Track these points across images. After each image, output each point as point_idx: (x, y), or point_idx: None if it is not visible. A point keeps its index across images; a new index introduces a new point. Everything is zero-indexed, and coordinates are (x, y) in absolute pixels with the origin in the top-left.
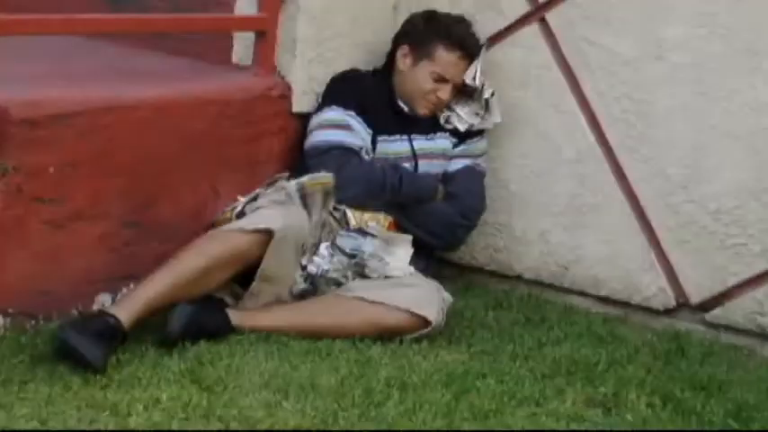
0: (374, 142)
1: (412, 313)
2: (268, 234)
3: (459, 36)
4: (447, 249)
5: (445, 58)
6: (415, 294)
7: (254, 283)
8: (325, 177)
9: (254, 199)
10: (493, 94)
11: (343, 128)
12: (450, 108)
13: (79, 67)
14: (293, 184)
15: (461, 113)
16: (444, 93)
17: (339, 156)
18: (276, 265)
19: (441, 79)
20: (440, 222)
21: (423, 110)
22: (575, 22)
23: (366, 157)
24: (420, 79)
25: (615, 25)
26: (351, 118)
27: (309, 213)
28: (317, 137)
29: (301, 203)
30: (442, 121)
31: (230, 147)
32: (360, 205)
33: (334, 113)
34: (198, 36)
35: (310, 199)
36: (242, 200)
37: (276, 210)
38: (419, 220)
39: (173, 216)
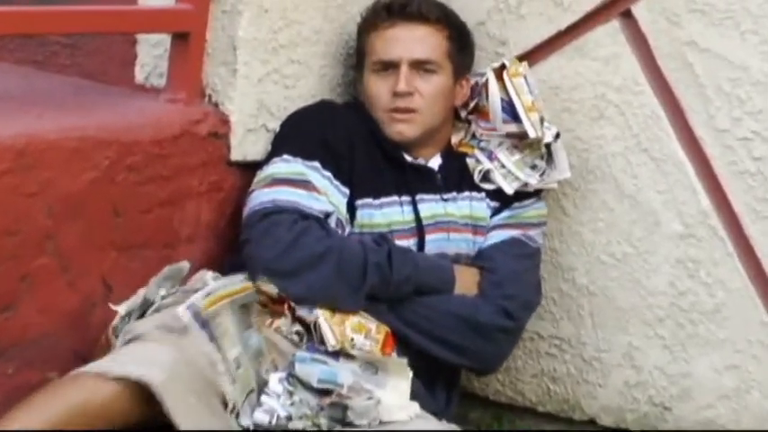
0: (352, 208)
1: None
2: (143, 387)
3: (378, 5)
4: (479, 372)
5: (374, 36)
6: None
7: None
8: (240, 286)
9: (144, 307)
10: (558, 137)
11: (299, 185)
12: (489, 155)
13: None
14: (184, 306)
15: (509, 165)
16: (400, 83)
17: (290, 225)
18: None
19: (385, 66)
20: (464, 326)
21: (391, 129)
22: (676, 16)
23: (336, 229)
24: (369, 87)
25: (739, 23)
26: (314, 172)
27: (220, 345)
28: (259, 198)
29: (206, 333)
30: (476, 177)
31: (131, 215)
32: (328, 305)
33: (287, 165)
34: (79, 41)
35: (218, 322)
36: (124, 305)
37: (160, 346)
38: (430, 323)
39: (39, 325)
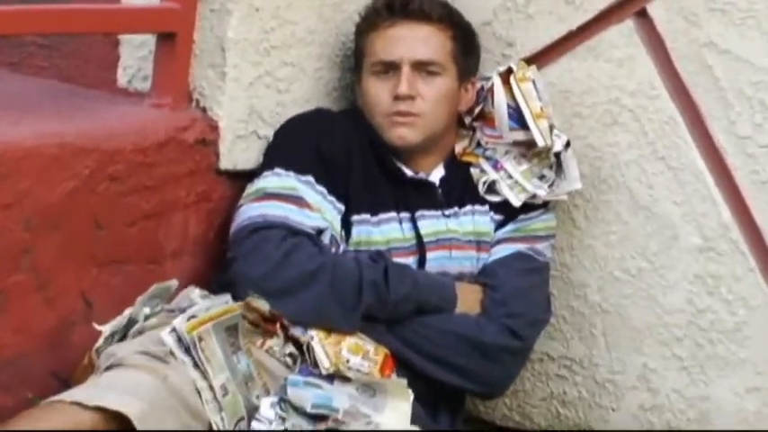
0: (347, 225)
1: None
2: (123, 417)
3: (378, 3)
4: (484, 396)
5: (373, 36)
6: None
7: None
8: (224, 308)
9: (127, 328)
10: (568, 145)
11: (291, 200)
12: (494, 165)
13: None
14: (167, 331)
15: (516, 175)
16: (402, 85)
17: (280, 241)
18: None
19: (385, 67)
20: (468, 347)
21: (391, 134)
22: (694, 16)
23: (330, 246)
24: (369, 90)
25: (761, 22)
26: (307, 187)
27: (205, 371)
28: (247, 213)
29: (191, 358)
30: (481, 188)
31: (114, 228)
32: (321, 325)
33: (279, 179)
34: (57, 41)
35: (203, 346)
36: (108, 326)
37: (142, 374)
38: (431, 344)
39: (15, 345)
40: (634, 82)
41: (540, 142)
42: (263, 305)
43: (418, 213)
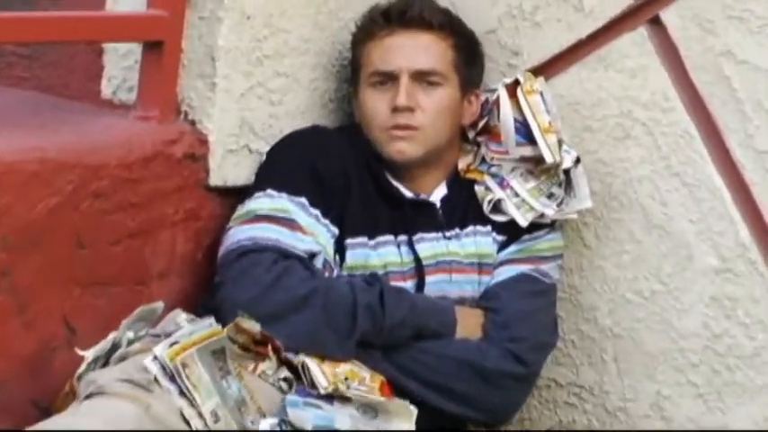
0: (342, 249)
1: None
2: None
3: (374, 11)
4: (487, 425)
5: (370, 45)
6: None
7: None
8: (208, 331)
9: (110, 353)
10: (578, 161)
11: (283, 223)
12: (500, 182)
13: None
14: (150, 358)
15: (523, 193)
16: (400, 97)
17: (270, 264)
18: None
19: (383, 78)
20: (469, 373)
21: (390, 148)
22: (710, 23)
23: (322, 270)
24: (366, 102)
25: None
26: (300, 209)
27: (193, 399)
28: (236, 236)
29: (176, 386)
30: (486, 207)
31: (97, 247)
32: (314, 352)
33: (271, 201)
34: (38, 51)
35: (189, 373)
36: (92, 351)
37: (124, 403)
38: (430, 371)
39: None
40: (647, 93)
41: (549, 158)
42: (253, 326)
43: (417, 236)
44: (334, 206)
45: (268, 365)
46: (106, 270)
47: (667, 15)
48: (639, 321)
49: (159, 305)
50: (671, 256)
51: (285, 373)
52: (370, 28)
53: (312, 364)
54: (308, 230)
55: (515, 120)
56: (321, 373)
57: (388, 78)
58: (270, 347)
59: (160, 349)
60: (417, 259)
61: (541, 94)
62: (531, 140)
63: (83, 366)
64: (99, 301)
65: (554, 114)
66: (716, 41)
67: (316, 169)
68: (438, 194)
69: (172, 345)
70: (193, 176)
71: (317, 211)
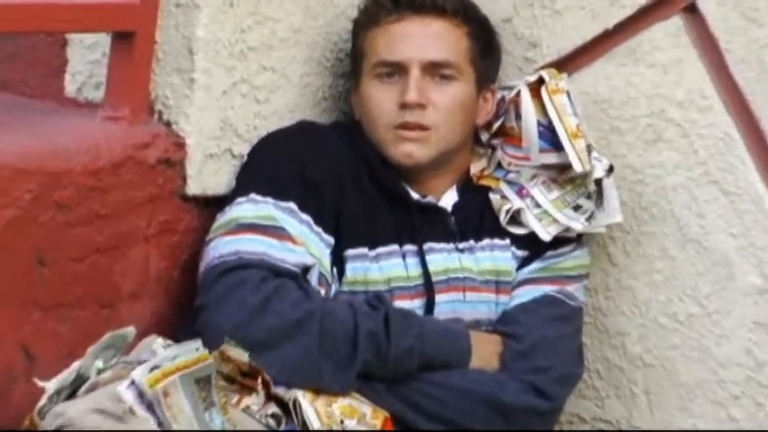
0: (340, 260)
1: None
2: None
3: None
4: None
5: (375, 33)
6: None
7: None
8: (194, 357)
9: (76, 384)
10: (611, 171)
11: (270, 232)
12: (519, 191)
13: None
14: (126, 385)
15: (545, 204)
16: (410, 92)
17: (258, 284)
18: None
19: (390, 71)
20: (485, 409)
21: (397, 150)
22: (754, 11)
23: (318, 287)
24: (369, 98)
25: None
26: (289, 216)
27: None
28: (218, 249)
29: (155, 417)
30: (503, 218)
31: (60, 265)
32: (308, 385)
33: (255, 208)
34: None
35: (170, 403)
36: (54, 381)
37: None
38: (441, 406)
39: None
40: (682, 91)
41: (578, 167)
42: (240, 355)
43: (426, 246)
44: (328, 212)
45: (254, 400)
46: (70, 291)
47: (705, 3)
48: (674, 349)
49: (131, 330)
50: (709, 274)
51: (273, 408)
52: (376, 12)
53: (304, 402)
54: (298, 240)
55: (539, 123)
56: (314, 412)
57: (396, 70)
58: (259, 380)
59: (139, 374)
60: (426, 274)
61: (568, 92)
62: (556, 146)
63: (43, 399)
64: (62, 325)
65: (579, 116)
66: (760, 32)
67: (304, 170)
68: (448, 200)
69: (152, 369)
70: (169, 185)
71: (307, 217)
